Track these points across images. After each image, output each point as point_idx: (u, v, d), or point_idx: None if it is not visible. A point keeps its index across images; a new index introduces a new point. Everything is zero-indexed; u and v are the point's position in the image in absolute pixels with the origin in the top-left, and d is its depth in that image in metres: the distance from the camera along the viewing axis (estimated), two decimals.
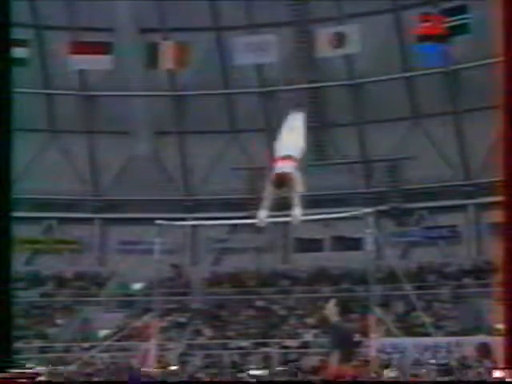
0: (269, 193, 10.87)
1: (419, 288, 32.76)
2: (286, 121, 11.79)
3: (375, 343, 25.22)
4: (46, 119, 39.30)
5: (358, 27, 35.35)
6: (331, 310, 11.29)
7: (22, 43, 33.46)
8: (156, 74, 37.86)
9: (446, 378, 25.38)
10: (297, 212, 10.66)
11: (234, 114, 39.08)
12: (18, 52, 31.92)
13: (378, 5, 35.99)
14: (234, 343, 32.65)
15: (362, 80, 37.22)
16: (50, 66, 38.36)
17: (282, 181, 10.67)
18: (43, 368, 27.28)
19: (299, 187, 10.69)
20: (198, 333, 33.94)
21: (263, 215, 10.98)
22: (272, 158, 11.08)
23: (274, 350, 31.64)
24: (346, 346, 11.05)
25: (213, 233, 38.38)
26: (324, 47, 35.88)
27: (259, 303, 35.54)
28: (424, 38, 34.04)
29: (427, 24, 34.12)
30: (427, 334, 28.89)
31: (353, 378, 10.91)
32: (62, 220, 39.15)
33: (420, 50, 34.61)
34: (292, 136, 11.20)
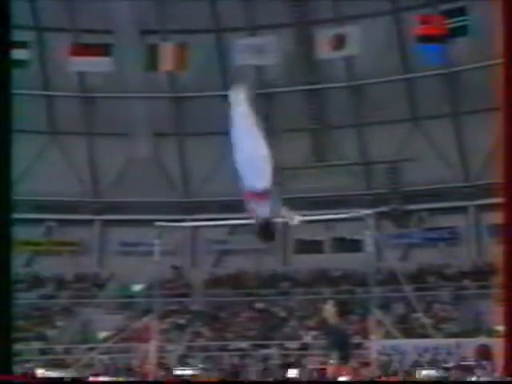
0: None
1: (419, 289, 32.77)
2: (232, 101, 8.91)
3: (375, 345, 25.24)
4: (46, 121, 39.30)
5: (357, 29, 35.34)
6: (330, 311, 11.29)
7: (22, 45, 33.48)
8: (156, 75, 37.87)
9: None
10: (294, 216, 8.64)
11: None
12: (19, 54, 31.94)
13: (378, 6, 36.00)
14: (233, 345, 32.65)
15: (361, 82, 37.22)
16: (50, 68, 38.36)
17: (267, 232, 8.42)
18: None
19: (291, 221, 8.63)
20: (198, 334, 33.93)
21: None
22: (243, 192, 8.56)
23: (273, 352, 31.64)
24: (344, 347, 11.06)
25: (212, 234, 38.36)
26: (324, 49, 35.88)
27: (259, 305, 35.53)
28: (424, 38, 34.02)
29: (427, 25, 34.11)
30: (427, 336, 28.90)
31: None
32: (61, 222, 39.16)
33: (420, 49, 34.57)
34: (254, 147, 8.58)
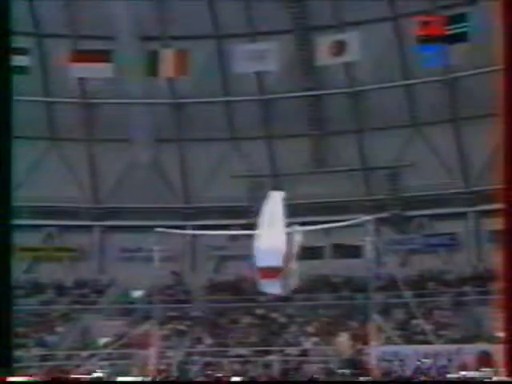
0: None
1: (419, 295, 32.70)
2: (266, 203, 11.29)
3: (375, 351, 25.23)
4: (46, 127, 39.33)
5: (357, 35, 35.40)
6: (344, 344, 11.37)
7: (22, 51, 33.55)
8: (156, 81, 37.91)
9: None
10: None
11: (233, 121, 39.10)
12: (19, 60, 31.99)
13: (378, 13, 36.04)
14: (233, 351, 32.59)
15: (361, 88, 37.25)
16: (51, 74, 38.41)
17: None
18: None
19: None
20: (198, 340, 33.89)
21: None
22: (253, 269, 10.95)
23: (273, 358, 31.58)
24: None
25: (212, 240, 38.31)
26: (324, 55, 35.92)
27: (259, 311, 35.48)
28: (424, 38, 33.94)
29: (427, 26, 34.07)
30: (428, 342, 28.86)
31: None
32: (61, 228, 39.15)
33: (420, 50, 34.46)
34: (272, 232, 11.10)
